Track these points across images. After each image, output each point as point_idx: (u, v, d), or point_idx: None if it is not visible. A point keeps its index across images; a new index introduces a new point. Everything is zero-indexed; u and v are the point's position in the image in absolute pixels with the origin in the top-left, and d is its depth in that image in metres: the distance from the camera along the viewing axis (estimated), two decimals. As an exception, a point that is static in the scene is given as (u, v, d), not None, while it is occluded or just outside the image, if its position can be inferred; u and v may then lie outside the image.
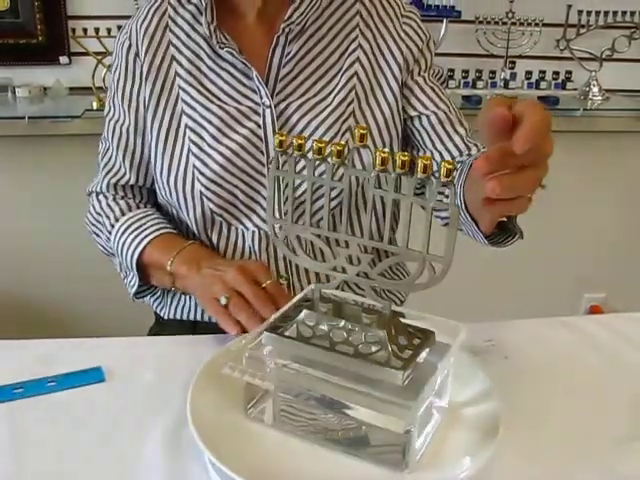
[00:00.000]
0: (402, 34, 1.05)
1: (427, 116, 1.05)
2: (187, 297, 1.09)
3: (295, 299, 0.71)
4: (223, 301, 0.84)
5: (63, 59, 2.07)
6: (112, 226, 1.07)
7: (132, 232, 1.04)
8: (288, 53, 1.02)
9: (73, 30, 1.97)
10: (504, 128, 0.58)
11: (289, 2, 1.00)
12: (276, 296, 0.83)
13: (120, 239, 1.05)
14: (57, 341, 0.88)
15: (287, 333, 0.67)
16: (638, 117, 2.20)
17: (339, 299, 0.68)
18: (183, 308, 1.10)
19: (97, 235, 1.13)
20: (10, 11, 2.05)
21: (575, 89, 2.16)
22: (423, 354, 0.64)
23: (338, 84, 1.03)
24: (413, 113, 1.05)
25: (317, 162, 0.60)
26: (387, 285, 0.89)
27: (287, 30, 1.00)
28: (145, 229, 1.03)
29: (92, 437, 0.70)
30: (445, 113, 1.06)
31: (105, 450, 0.68)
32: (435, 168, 0.99)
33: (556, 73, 2.11)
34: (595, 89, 2.18)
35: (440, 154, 1.05)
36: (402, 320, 0.68)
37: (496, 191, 0.58)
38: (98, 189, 1.12)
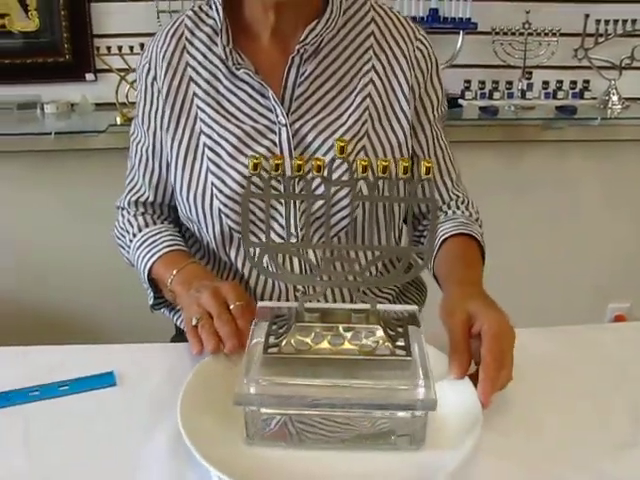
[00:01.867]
0: (414, 59, 1.07)
1: (420, 159, 1.08)
2: None
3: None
4: (194, 322, 0.86)
5: (89, 76, 2.13)
6: (131, 241, 1.12)
7: (145, 247, 1.08)
8: (303, 73, 1.03)
9: (98, 48, 2.02)
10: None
11: (303, 22, 1.02)
12: (237, 317, 0.84)
13: (136, 253, 1.10)
14: (73, 347, 0.92)
15: (285, 350, 0.69)
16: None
17: (323, 307, 0.71)
18: None
19: (122, 247, 1.18)
20: (39, 32, 2.12)
21: (593, 98, 2.15)
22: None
23: (352, 104, 1.05)
24: (414, 149, 1.09)
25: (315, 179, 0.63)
26: (375, 283, 0.91)
27: (302, 50, 1.02)
28: (156, 245, 1.07)
29: (100, 438, 0.74)
30: (437, 162, 1.11)
31: (112, 451, 0.72)
32: (424, 209, 1.12)
33: (573, 82, 2.10)
34: (615, 98, 2.17)
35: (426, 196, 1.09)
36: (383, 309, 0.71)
37: (486, 406, 0.70)
38: (122, 204, 1.17)
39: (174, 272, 1.01)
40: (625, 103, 2.18)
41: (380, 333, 0.68)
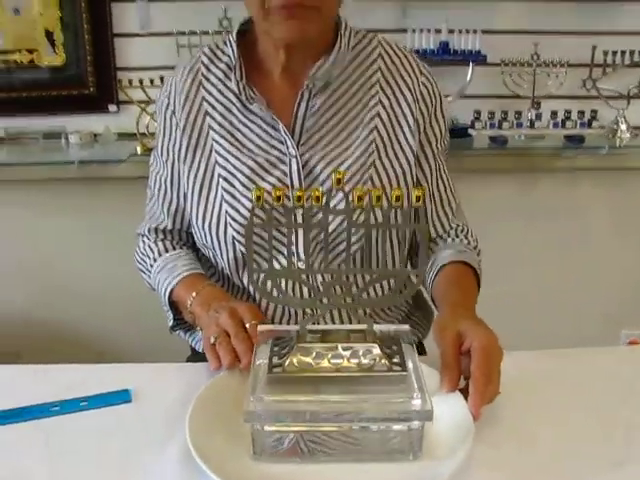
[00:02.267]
0: (419, 94, 1.12)
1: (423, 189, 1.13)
2: None
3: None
4: (212, 340, 0.91)
5: (112, 107, 2.22)
6: (152, 265, 1.18)
7: (166, 272, 1.14)
8: (312, 106, 1.08)
9: (120, 81, 2.12)
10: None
11: (313, 59, 1.07)
12: (253, 336, 0.88)
13: (157, 277, 1.15)
14: (92, 366, 0.97)
15: (288, 369, 0.73)
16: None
17: (323, 328, 0.76)
18: None
19: (143, 272, 1.24)
20: (65, 66, 2.22)
21: (602, 127, 2.19)
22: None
23: (359, 136, 1.09)
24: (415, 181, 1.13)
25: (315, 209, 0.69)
26: (372, 304, 0.96)
27: (311, 86, 1.07)
28: (176, 269, 1.13)
29: (116, 451, 0.78)
30: (439, 193, 1.16)
31: (127, 464, 0.76)
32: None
33: (581, 112, 2.15)
34: (623, 126, 2.21)
35: (431, 226, 1.16)
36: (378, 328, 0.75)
37: (477, 418, 0.75)
38: (143, 231, 1.23)
39: (193, 294, 1.06)
40: (633, 132, 2.23)
41: (377, 351, 0.73)
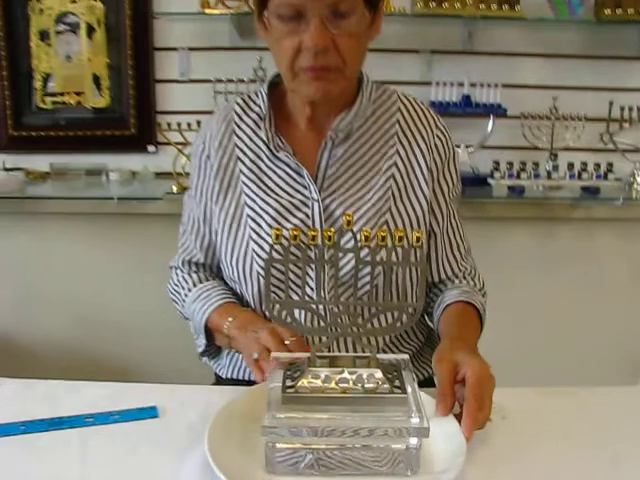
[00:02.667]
0: (433, 146, 1.19)
1: (435, 234, 1.21)
2: (242, 359, 1.24)
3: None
4: (255, 356, 1.00)
5: (150, 148, 2.38)
6: (186, 295, 1.26)
7: (201, 300, 1.21)
8: (334, 155, 1.16)
9: (159, 124, 2.26)
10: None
11: (336, 111, 1.15)
12: (293, 350, 0.97)
13: (192, 306, 1.23)
14: (123, 384, 1.06)
15: (302, 389, 0.81)
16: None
17: (331, 355, 0.85)
18: (239, 369, 1.26)
19: (175, 302, 1.32)
20: (109, 108, 2.39)
21: (617, 179, 2.27)
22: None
23: (377, 183, 1.16)
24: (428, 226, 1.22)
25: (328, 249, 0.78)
26: (375, 332, 1.05)
27: (334, 136, 1.15)
28: (211, 298, 1.20)
29: (142, 460, 0.86)
30: (449, 238, 1.23)
31: (151, 472, 0.84)
32: (434, 279, 1.23)
33: (597, 164, 2.24)
34: (639, 179, 2.29)
35: (440, 269, 1.23)
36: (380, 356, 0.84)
37: (469, 439, 0.82)
38: (176, 264, 1.31)
39: (230, 319, 1.13)
40: (649, 184, 2.31)
41: (379, 375, 0.81)
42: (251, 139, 1.19)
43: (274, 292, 1.13)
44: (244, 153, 1.19)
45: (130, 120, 2.39)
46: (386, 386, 0.80)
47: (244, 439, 0.84)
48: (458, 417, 0.85)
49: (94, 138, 2.40)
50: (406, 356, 0.86)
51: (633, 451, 0.88)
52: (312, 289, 1.05)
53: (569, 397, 1.04)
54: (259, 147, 1.19)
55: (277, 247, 0.77)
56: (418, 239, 0.77)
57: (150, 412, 0.96)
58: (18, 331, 2.44)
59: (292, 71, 1.07)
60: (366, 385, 0.81)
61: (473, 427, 0.82)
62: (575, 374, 2.29)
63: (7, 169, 2.37)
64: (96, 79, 2.37)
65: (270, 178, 1.17)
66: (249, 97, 1.24)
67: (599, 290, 2.43)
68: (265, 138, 1.17)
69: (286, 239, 0.77)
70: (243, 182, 1.19)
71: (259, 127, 1.18)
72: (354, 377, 0.82)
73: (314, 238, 0.77)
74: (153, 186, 2.33)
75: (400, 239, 0.77)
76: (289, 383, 0.83)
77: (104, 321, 2.42)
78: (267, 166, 1.18)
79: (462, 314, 1.15)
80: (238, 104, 1.23)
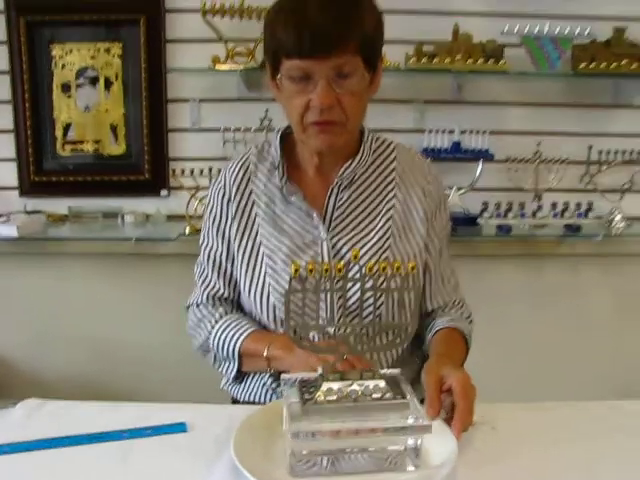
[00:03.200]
0: (427, 191, 1.33)
1: (430, 269, 1.35)
2: (257, 384, 1.36)
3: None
4: (319, 371, 1.01)
5: (163, 192, 2.51)
6: (212, 327, 1.33)
7: (232, 329, 1.30)
8: (340, 199, 1.30)
9: (173, 171, 2.39)
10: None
11: (341, 161, 1.29)
12: (355, 363, 1.03)
13: (221, 335, 1.31)
14: (156, 404, 1.17)
15: (320, 400, 0.94)
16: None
17: (341, 370, 0.98)
18: (256, 394, 1.37)
19: (195, 337, 1.39)
20: (125, 155, 2.55)
21: (598, 217, 2.44)
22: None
23: (378, 224, 1.30)
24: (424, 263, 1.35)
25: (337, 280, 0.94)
26: (377, 349, 1.22)
27: (339, 183, 1.29)
28: (243, 326, 1.30)
29: (174, 469, 0.97)
30: (441, 271, 1.37)
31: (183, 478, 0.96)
32: (429, 309, 1.38)
33: (578, 204, 2.40)
34: (618, 217, 2.46)
35: (431, 300, 1.37)
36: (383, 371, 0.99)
37: (459, 439, 0.96)
38: (197, 301, 1.39)
39: (269, 343, 1.23)
40: (627, 222, 2.47)
41: (383, 385, 0.95)
42: (265, 185, 1.33)
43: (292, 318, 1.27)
44: (259, 198, 1.32)
45: (144, 166, 2.54)
46: (389, 394, 0.94)
47: (266, 446, 0.97)
48: (447, 421, 1.00)
49: (110, 183, 2.55)
50: (397, 370, 1.01)
51: (605, 457, 1.01)
52: (325, 314, 1.17)
53: (551, 411, 1.17)
54: (273, 192, 1.32)
55: (295, 280, 0.92)
56: (413, 267, 0.93)
57: (179, 427, 1.08)
58: (41, 366, 2.56)
59: (302, 125, 1.20)
60: (373, 394, 0.94)
61: (462, 428, 0.97)
62: (558, 398, 2.43)
63: (28, 212, 2.51)
64: (113, 128, 2.54)
65: (283, 220, 1.31)
66: (263, 147, 1.37)
67: (584, 321, 2.59)
68: (279, 184, 1.30)
69: (304, 272, 0.93)
70: (259, 224, 1.31)
71: (273, 174, 1.32)
72: (362, 388, 0.95)
73: (327, 271, 0.92)
74: (165, 228, 2.46)
75: (397, 268, 0.93)
76: (307, 397, 0.95)
77: (120, 357, 2.54)
78: (280, 209, 1.31)
79: (449, 337, 1.29)
80: (254, 154, 1.36)
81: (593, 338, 2.58)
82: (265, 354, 1.24)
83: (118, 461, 0.98)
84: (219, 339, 1.31)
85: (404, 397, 0.94)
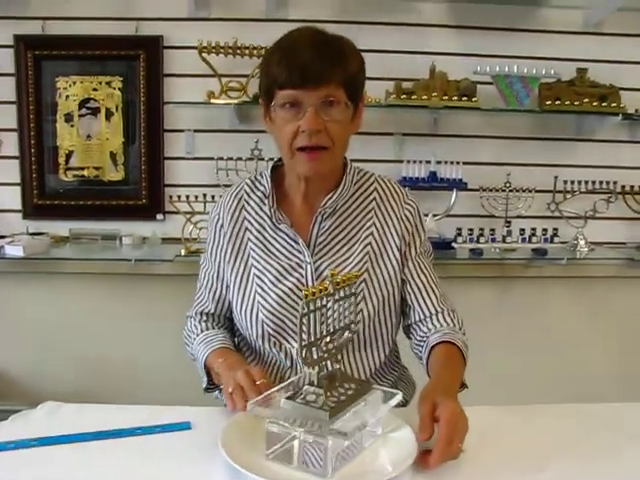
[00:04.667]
0: (403, 217, 1.42)
1: (410, 282, 1.43)
2: None
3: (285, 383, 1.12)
4: (230, 390, 1.18)
5: (159, 216, 2.66)
6: (194, 339, 1.45)
7: (205, 344, 1.40)
8: (323, 227, 1.39)
9: (170, 197, 2.53)
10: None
11: (325, 191, 1.38)
12: (262, 389, 1.13)
13: (197, 348, 1.41)
14: (163, 407, 1.29)
15: (295, 398, 1.05)
16: (620, 265, 2.69)
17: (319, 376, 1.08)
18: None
19: (187, 345, 1.51)
20: (124, 181, 2.70)
21: (563, 242, 2.63)
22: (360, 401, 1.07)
23: (357, 249, 1.39)
24: (404, 277, 1.43)
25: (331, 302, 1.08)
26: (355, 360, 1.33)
27: (323, 212, 1.38)
28: (212, 342, 1.40)
29: (180, 460, 1.09)
30: (423, 283, 1.43)
31: (188, 467, 1.06)
32: (416, 318, 1.44)
33: (545, 230, 2.59)
34: (582, 242, 2.66)
35: (420, 308, 1.43)
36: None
37: (432, 467, 1.01)
38: (191, 314, 1.51)
39: (220, 360, 1.32)
40: (591, 246, 2.67)
41: (322, 393, 1.03)
42: (257, 213, 1.43)
43: (275, 337, 1.39)
44: (251, 224, 1.43)
45: (142, 192, 2.69)
46: (321, 400, 1.02)
47: (251, 441, 1.07)
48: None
49: (109, 207, 2.69)
50: (381, 389, 1.12)
51: (562, 453, 1.10)
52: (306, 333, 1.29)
53: (519, 412, 1.28)
54: (263, 219, 1.42)
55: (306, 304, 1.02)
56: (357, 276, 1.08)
57: (185, 425, 1.20)
58: (41, 382, 2.65)
59: (291, 150, 1.29)
60: (341, 398, 1.05)
61: (438, 461, 1.01)
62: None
63: (31, 233, 2.64)
64: (113, 156, 2.69)
65: (272, 245, 1.41)
66: (255, 178, 1.47)
67: (551, 338, 2.76)
68: (269, 213, 1.40)
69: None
70: (250, 248, 1.42)
71: (264, 203, 1.42)
72: (338, 394, 1.06)
73: (326, 289, 1.04)
74: (161, 250, 2.59)
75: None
76: (289, 395, 1.06)
77: (118, 370, 2.64)
78: (270, 235, 1.41)
79: (446, 356, 1.33)
80: (247, 184, 1.46)
81: (558, 353, 2.75)
82: (216, 370, 1.33)
83: (131, 454, 1.10)
84: (196, 351, 1.42)
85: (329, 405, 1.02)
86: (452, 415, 1.05)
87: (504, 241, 2.59)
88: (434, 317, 1.42)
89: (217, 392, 1.48)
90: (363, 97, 1.38)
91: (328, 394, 1.05)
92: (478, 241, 2.57)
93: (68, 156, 2.69)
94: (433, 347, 1.35)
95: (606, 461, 1.09)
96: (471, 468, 1.05)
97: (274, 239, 1.41)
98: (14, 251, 2.44)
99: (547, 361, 2.75)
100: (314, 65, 1.24)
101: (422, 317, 1.43)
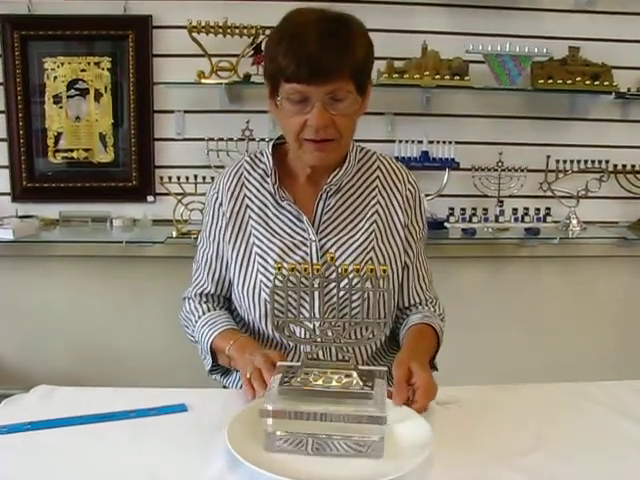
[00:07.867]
0: (405, 197, 1.43)
1: (409, 267, 1.44)
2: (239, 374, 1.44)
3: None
4: (248, 375, 1.17)
5: (149, 198, 2.65)
6: (196, 321, 1.43)
7: (208, 326, 1.39)
8: (328, 204, 1.38)
9: (161, 178, 2.52)
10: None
11: (330, 170, 1.37)
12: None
13: (200, 330, 1.40)
14: (159, 389, 1.28)
15: (294, 385, 1.04)
16: (612, 244, 2.70)
17: (319, 360, 1.10)
18: (239, 383, 1.45)
19: (186, 327, 1.49)
20: (114, 163, 2.68)
21: (555, 222, 2.63)
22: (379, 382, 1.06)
23: (362, 227, 1.39)
24: (406, 260, 1.43)
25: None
26: (353, 344, 1.30)
27: (327, 189, 1.37)
28: (217, 324, 1.39)
29: (176, 442, 1.08)
30: (418, 270, 1.47)
31: (185, 448, 1.06)
32: (404, 304, 1.47)
33: (537, 209, 2.59)
34: (574, 221, 2.66)
35: (409, 295, 1.46)
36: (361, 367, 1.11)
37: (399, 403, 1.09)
38: (189, 295, 1.49)
39: (231, 342, 1.31)
40: (583, 226, 2.67)
41: (355, 376, 1.05)
42: (258, 190, 1.41)
43: (276, 314, 1.40)
44: (252, 202, 1.41)
45: (132, 173, 2.67)
46: (358, 384, 1.04)
47: (255, 432, 1.05)
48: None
49: (99, 189, 2.68)
50: (384, 368, 1.12)
51: (553, 429, 1.12)
52: (306, 310, 1.27)
53: (514, 392, 1.29)
54: (265, 197, 1.41)
55: (279, 277, 1.05)
56: (384, 271, 1.04)
57: (180, 407, 1.20)
58: (33, 365, 2.65)
59: (298, 141, 1.29)
60: (343, 382, 1.05)
61: (423, 406, 1.10)
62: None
63: (20, 216, 2.63)
64: (102, 137, 2.67)
65: (275, 223, 1.39)
66: (255, 156, 1.45)
67: (543, 317, 2.78)
68: (271, 190, 1.39)
69: (286, 271, 1.06)
70: (252, 226, 1.40)
71: (265, 181, 1.40)
72: (336, 377, 1.05)
73: (306, 270, 1.04)
74: (152, 232, 2.58)
75: (372, 271, 1.03)
76: (285, 380, 1.06)
77: (110, 353, 2.65)
78: (272, 213, 1.39)
79: (422, 333, 1.38)
80: (247, 162, 1.44)
81: (550, 332, 2.76)
82: (227, 352, 1.33)
83: (126, 437, 1.09)
84: (199, 333, 1.41)
85: (372, 389, 1.03)
86: (426, 385, 1.13)
87: (496, 221, 2.59)
88: (419, 306, 1.46)
89: (219, 375, 1.48)
90: (371, 80, 1.34)
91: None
92: (471, 221, 2.57)
93: (57, 138, 2.67)
94: (411, 326, 1.39)
95: (599, 440, 1.10)
96: (462, 448, 1.05)
97: (277, 217, 1.40)
98: (4, 234, 2.43)
99: (539, 340, 2.77)
100: (322, 58, 1.21)
101: (409, 304, 1.46)
